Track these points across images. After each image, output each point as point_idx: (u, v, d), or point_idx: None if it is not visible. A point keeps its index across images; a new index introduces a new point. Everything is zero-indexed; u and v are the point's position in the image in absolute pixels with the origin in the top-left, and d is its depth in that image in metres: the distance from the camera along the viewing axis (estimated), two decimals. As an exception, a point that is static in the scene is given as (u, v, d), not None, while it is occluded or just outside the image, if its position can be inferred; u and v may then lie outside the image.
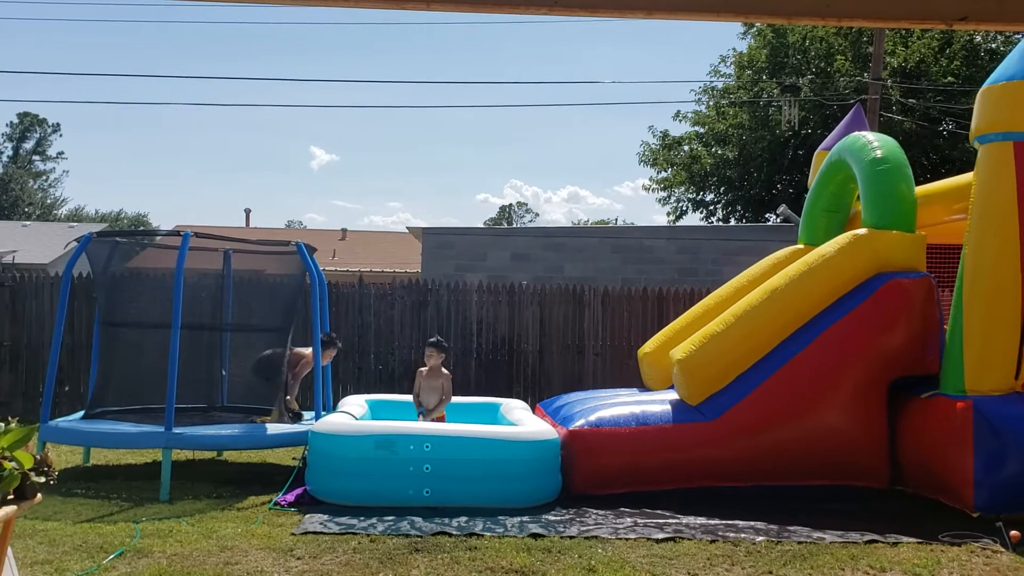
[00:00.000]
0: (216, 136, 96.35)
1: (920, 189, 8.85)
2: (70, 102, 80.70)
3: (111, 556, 5.41)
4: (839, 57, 24.91)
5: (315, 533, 6.06)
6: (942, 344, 7.77)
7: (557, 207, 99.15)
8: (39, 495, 3.37)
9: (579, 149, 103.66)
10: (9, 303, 12.19)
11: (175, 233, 8.38)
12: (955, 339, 7.46)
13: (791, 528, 6.49)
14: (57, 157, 61.60)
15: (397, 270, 26.07)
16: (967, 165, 9.36)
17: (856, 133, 9.19)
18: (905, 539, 6.23)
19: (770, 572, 5.46)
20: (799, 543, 6.10)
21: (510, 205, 79.01)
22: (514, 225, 65.48)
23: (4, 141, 59.25)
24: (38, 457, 3.29)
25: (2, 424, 3.19)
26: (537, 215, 78.62)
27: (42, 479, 3.28)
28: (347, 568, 5.30)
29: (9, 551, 3.56)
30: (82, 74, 78.94)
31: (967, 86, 22.94)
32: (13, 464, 3.11)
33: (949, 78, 24.07)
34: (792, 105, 22.57)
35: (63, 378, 11.67)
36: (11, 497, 3.23)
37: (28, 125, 60.27)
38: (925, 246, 8.35)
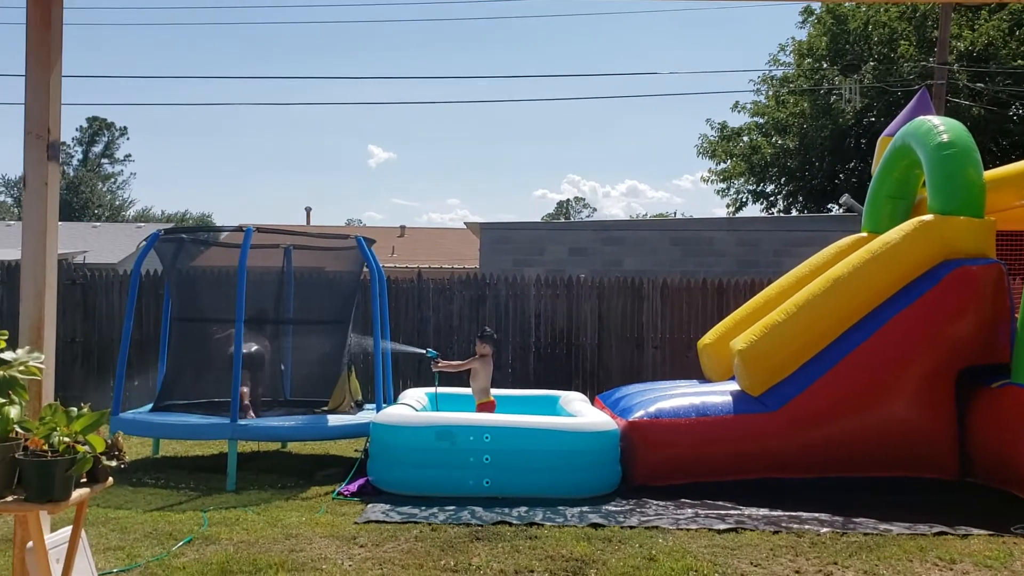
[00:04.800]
0: (276, 137, 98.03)
1: (989, 173, 8.60)
2: (137, 105, 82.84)
3: (180, 543, 5.55)
4: (903, 42, 24.29)
5: (377, 522, 6.14)
6: (1013, 333, 7.55)
7: (616, 202, 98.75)
8: (110, 479, 3.47)
9: (637, 142, 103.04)
10: (81, 300, 12.56)
11: (238, 229, 8.55)
12: (1027, 327, 7.25)
13: (856, 520, 6.37)
14: (125, 160, 63.49)
15: (455, 266, 26.19)
16: (1039, 149, 9.07)
17: (921, 117, 8.94)
18: (975, 531, 6.08)
19: (835, 563, 5.37)
20: (865, 535, 5.99)
21: (568, 200, 78.82)
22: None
23: (74, 145, 61.13)
24: (109, 442, 3.39)
25: (75, 409, 3.29)
26: (595, 210, 78.25)
27: (113, 463, 3.37)
28: (409, 555, 5.36)
29: (83, 536, 3.67)
30: (148, 77, 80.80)
31: (1038, 69, 22.25)
32: (86, 447, 3.21)
33: (1019, 61, 23.34)
34: (854, 85, 22.01)
35: (132, 372, 11.97)
36: (84, 480, 3.33)
37: (97, 129, 62.14)
38: (995, 232, 8.10)
